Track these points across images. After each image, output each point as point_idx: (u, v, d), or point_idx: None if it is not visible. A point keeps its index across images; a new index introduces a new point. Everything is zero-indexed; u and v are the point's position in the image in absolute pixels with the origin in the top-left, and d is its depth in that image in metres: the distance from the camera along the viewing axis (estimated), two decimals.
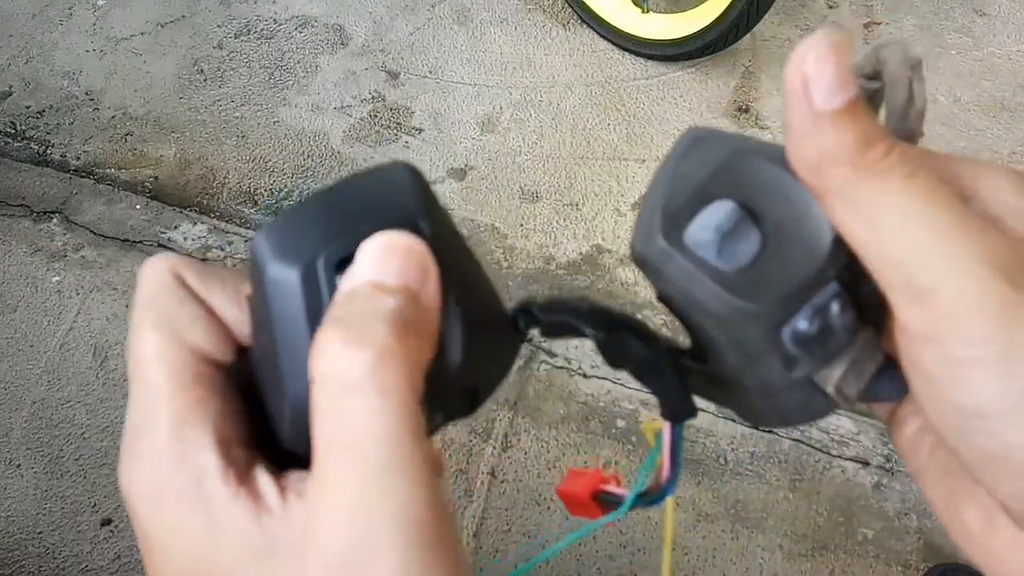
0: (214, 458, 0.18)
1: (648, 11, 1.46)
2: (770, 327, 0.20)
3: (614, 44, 1.51)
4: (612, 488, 0.25)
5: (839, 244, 0.20)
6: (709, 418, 1.16)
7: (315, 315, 0.18)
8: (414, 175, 0.20)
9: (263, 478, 0.18)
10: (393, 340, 0.17)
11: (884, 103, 0.20)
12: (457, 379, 0.20)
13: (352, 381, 0.17)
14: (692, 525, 1.10)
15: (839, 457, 1.14)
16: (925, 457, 0.21)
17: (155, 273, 0.21)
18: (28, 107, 1.53)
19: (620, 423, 1.17)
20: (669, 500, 0.25)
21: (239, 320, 0.21)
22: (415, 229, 0.19)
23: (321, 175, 1.42)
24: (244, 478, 0.18)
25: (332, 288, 0.18)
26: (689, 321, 0.22)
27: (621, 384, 1.19)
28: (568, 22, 1.56)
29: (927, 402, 0.19)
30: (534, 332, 0.23)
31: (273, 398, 0.20)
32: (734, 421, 1.16)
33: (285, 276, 0.19)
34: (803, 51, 0.18)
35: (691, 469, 1.14)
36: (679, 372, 0.23)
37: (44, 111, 1.52)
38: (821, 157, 0.18)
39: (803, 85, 0.18)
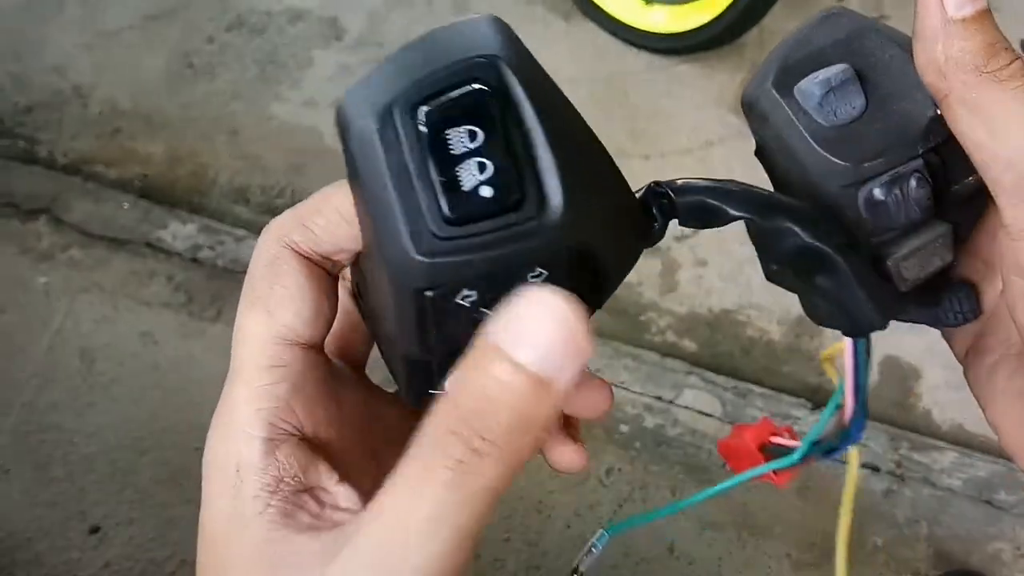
0: (257, 452, 0.19)
1: (652, 3, 1.44)
2: (848, 185, 0.21)
3: (617, 37, 1.48)
4: (783, 440, 0.24)
5: (936, 126, 0.21)
6: (715, 423, 1.14)
7: (397, 165, 0.17)
8: (498, 22, 0.19)
9: (305, 496, 0.19)
10: (499, 452, 0.16)
11: None
12: (563, 233, 0.18)
13: (449, 478, 0.16)
14: (697, 533, 1.08)
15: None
16: (1002, 383, 0.23)
17: (264, 246, 0.21)
18: (16, 103, 1.50)
19: (623, 428, 1.14)
20: (853, 451, 0.23)
21: (353, 239, 0.20)
22: (493, 64, 0.18)
23: (315, 172, 1.39)
24: (282, 483, 0.19)
25: (412, 134, 0.17)
26: (777, 174, 0.23)
27: (624, 388, 1.16)
28: (569, 15, 1.54)
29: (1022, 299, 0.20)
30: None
31: (379, 277, 0.19)
32: None
33: (365, 128, 0.18)
34: None
35: (696, 476, 1.11)
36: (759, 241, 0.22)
37: (33, 107, 1.50)
38: (948, 61, 0.19)
39: None
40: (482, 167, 0.17)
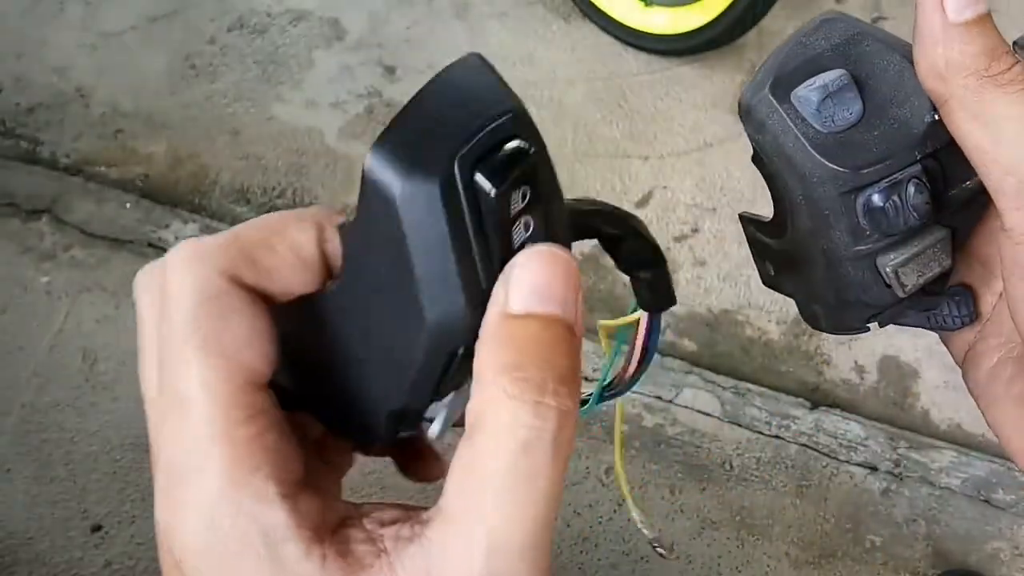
0: (280, 514, 0.17)
1: (651, 5, 1.44)
2: (846, 192, 0.21)
3: (616, 38, 1.48)
4: None
5: (934, 131, 0.21)
6: (714, 423, 1.14)
7: (458, 225, 0.17)
8: (488, 64, 0.19)
9: (345, 531, 0.17)
10: (572, 402, 0.17)
11: None
12: None
13: (532, 442, 0.16)
14: (697, 532, 1.08)
15: (847, 462, 1.12)
16: (1002, 387, 0.22)
17: (201, 278, 0.18)
18: (18, 104, 1.51)
19: (622, 427, 1.14)
20: (620, 399, 0.25)
21: (306, 283, 0.19)
22: (527, 121, 0.18)
23: (316, 173, 1.40)
24: (322, 533, 0.17)
25: (471, 194, 0.17)
26: (775, 181, 0.23)
27: None
28: (569, 16, 1.54)
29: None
30: None
31: (388, 333, 0.18)
32: (739, 426, 1.14)
33: (423, 190, 0.17)
34: None
35: (696, 475, 1.12)
36: (756, 247, 0.24)
37: (35, 108, 1.50)
38: (948, 65, 0.19)
39: None
40: (528, 225, 0.18)
